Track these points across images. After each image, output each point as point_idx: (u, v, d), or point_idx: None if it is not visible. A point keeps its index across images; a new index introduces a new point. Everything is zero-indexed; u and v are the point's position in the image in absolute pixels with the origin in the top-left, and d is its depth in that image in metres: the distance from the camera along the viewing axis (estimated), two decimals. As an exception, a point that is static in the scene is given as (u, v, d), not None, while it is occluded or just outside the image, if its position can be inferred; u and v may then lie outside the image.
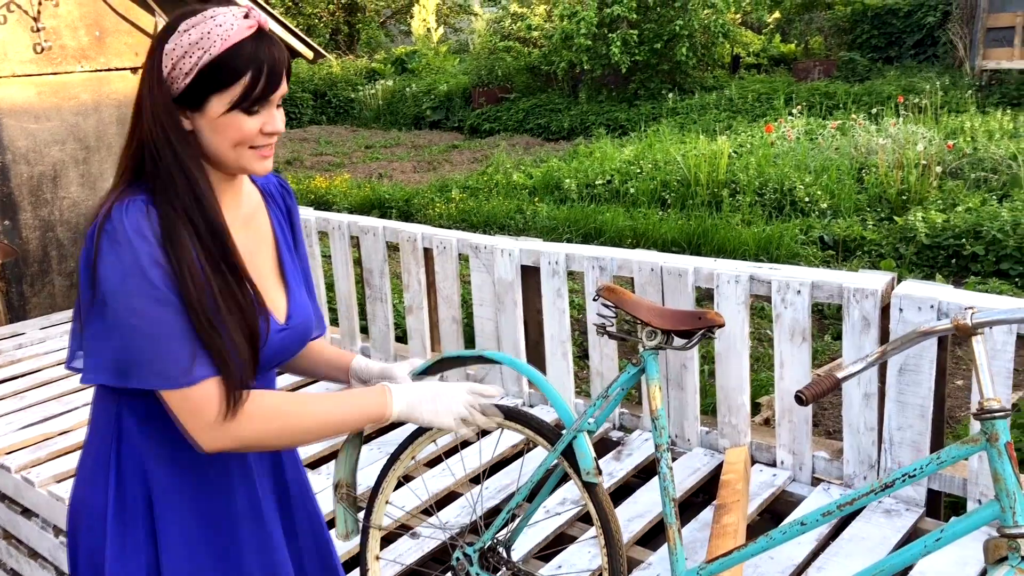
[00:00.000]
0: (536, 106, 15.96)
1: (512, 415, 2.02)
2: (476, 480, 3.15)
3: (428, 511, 2.96)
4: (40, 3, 4.88)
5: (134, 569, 1.50)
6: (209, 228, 1.42)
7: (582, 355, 4.49)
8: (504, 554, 2.11)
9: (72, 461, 3.44)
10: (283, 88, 1.46)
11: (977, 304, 2.37)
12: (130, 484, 1.50)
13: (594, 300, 2.30)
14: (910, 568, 2.48)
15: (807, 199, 8.08)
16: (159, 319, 1.36)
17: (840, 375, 1.76)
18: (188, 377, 1.37)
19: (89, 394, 4.09)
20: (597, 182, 9.57)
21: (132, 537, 1.50)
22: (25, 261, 5.11)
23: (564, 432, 1.98)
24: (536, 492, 2.25)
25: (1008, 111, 10.80)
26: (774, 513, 2.99)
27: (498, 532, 2.08)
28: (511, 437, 3.32)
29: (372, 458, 3.35)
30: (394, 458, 2.21)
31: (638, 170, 9.61)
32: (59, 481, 3.34)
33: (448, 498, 3.09)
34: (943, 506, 2.83)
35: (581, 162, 10.67)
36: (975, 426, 1.63)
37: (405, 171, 12.85)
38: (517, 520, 2.23)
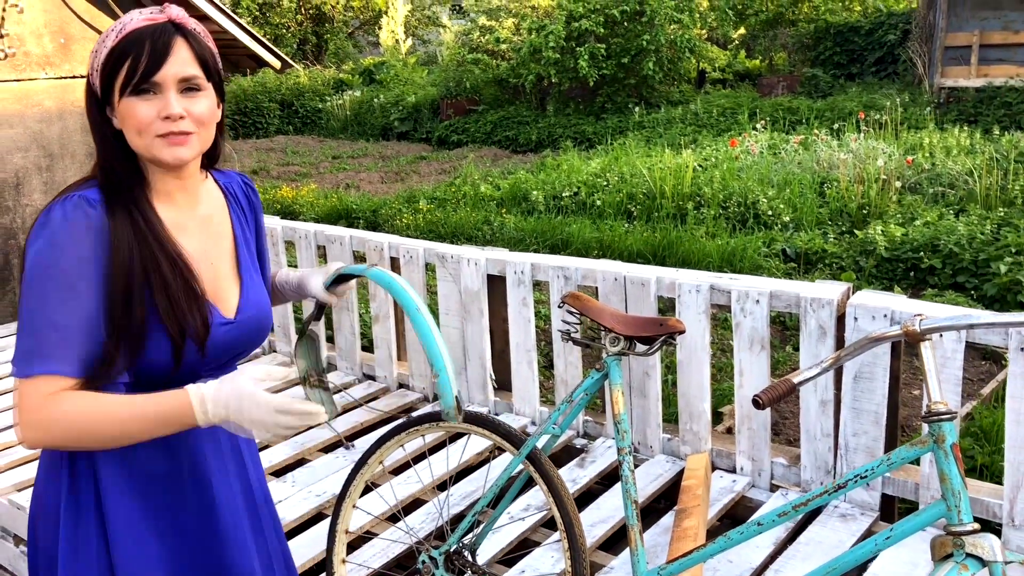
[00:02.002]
0: (504, 118, 16.03)
1: (479, 421, 2.05)
2: (442, 487, 3.17)
3: (395, 516, 2.98)
4: (4, 10, 4.85)
5: (84, 564, 1.51)
6: (144, 219, 1.48)
7: (547, 365, 4.53)
8: (469, 557, 2.13)
9: (32, 470, 3.42)
10: (176, 70, 1.46)
11: (928, 313, 2.44)
12: (83, 480, 1.52)
13: (559, 307, 2.34)
14: (864, 568, 2.54)
15: (770, 212, 8.20)
16: (32, 308, 1.40)
17: (796, 380, 1.81)
18: (26, 369, 1.39)
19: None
20: (564, 194, 9.63)
21: (83, 531, 1.51)
22: (-13, 269, 5.06)
23: (529, 437, 2.01)
24: (501, 497, 2.28)
25: (965, 128, 11.03)
26: (734, 518, 3.04)
27: (464, 536, 2.11)
28: (477, 445, 3.35)
29: (338, 466, 3.36)
30: (361, 463, 2.24)
31: (605, 183, 9.69)
32: (19, 490, 3.31)
33: (414, 505, 3.11)
34: (896, 510, 2.90)
35: (548, 174, 10.74)
36: (925, 429, 1.69)
37: (372, 182, 12.85)
38: (482, 524, 2.25)
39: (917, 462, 2.82)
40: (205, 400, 1.40)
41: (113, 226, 1.45)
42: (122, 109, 1.46)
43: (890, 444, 2.81)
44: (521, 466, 2.05)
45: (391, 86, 20.08)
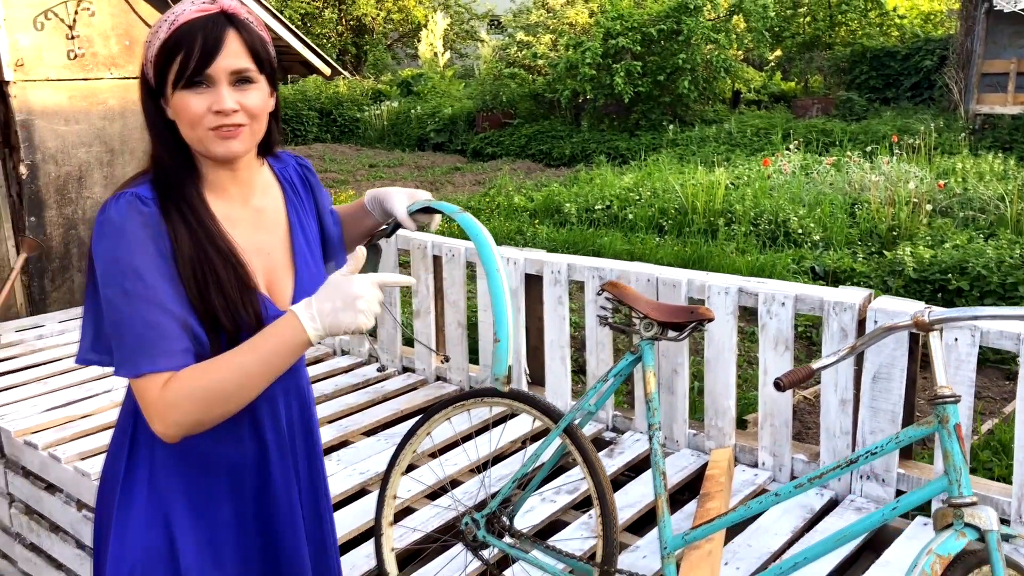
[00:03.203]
0: (539, 132, 16.28)
1: (520, 397, 2.24)
2: (480, 468, 3.36)
3: (433, 495, 3.17)
4: (76, 12, 5.14)
5: (132, 535, 1.55)
6: (195, 214, 1.49)
7: (576, 370, 4.70)
8: (507, 521, 2.32)
9: (95, 441, 3.64)
10: (228, 63, 1.46)
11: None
12: (141, 453, 1.56)
13: (598, 295, 2.51)
14: (879, 555, 2.69)
15: (800, 231, 8.33)
16: (118, 310, 1.43)
17: (815, 366, 1.99)
18: (133, 370, 1.42)
19: (109, 381, 4.30)
20: (596, 207, 9.83)
21: (137, 505, 1.55)
22: (47, 257, 5.33)
23: (566, 412, 2.20)
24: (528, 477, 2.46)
25: (1000, 155, 11.10)
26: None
27: (503, 502, 2.30)
28: (512, 433, 3.53)
29: (380, 447, 3.56)
30: (410, 434, 2.43)
31: (637, 197, 9.87)
32: (84, 458, 3.53)
33: (453, 484, 3.30)
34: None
35: (581, 187, 10.94)
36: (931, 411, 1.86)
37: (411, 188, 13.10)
38: (520, 494, 2.44)
39: (924, 450, 2.96)
40: (310, 305, 1.43)
41: (169, 223, 1.47)
42: (175, 102, 1.46)
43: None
44: (559, 439, 2.24)
45: (428, 98, 20.42)
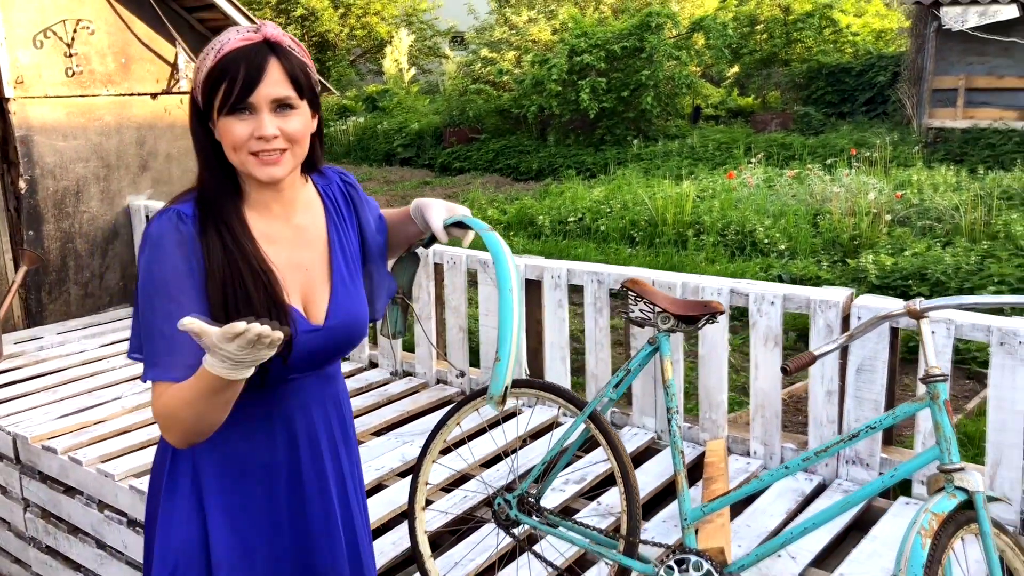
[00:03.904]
0: (506, 147, 16.52)
1: (547, 387, 2.45)
2: (496, 461, 3.56)
3: (456, 483, 3.36)
4: (75, 31, 5.27)
5: (175, 546, 1.64)
6: (231, 233, 1.57)
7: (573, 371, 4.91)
8: (535, 502, 2.52)
9: (113, 445, 3.77)
10: (269, 91, 1.53)
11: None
12: (182, 465, 1.65)
13: (619, 291, 2.72)
14: (866, 532, 2.94)
15: (767, 240, 8.65)
16: (145, 318, 1.54)
17: (817, 352, 2.22)
18: (145, 375, 1.54)
19: (118, 389, 4.42)
20: (569, 219, 10.08)
21: (178, 516, 1.64)
22: (45, 270, 5.43)
23: (590, 400, 2.41)
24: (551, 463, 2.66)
25: (952, 166, 11.56)
26: (748, 495, 3.43)
27: (533, 482, 2.50)
28: (536, 419, 3.75)
29: (391, 446, 3.74)
30: (441, 424, 2.62)
31: (608, 209, 10.14)
32: (104, 461, 3.66)
33: (462, 478, 3.50)
34: (892, 489, 3.30)
35: (553, 200, 11.19)
36: (922, 389, 2.09)
37: (379, 205, 13.25)
38: (547, 476, 2.64)
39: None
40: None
41: (204, 241, 1.55)
42: (221, 126, 1.55)
43: (888, 429, 3.22)
44: (583, 425, 2.45)
45: (394, 113, 20.57)
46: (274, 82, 1.52)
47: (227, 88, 1.51)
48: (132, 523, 3.44)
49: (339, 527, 1.74)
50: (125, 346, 5.05)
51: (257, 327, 1.33)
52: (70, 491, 3.74)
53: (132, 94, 5.64)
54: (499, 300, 1.61)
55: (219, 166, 1.60)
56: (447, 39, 26.46)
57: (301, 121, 1.57)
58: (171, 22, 5.69)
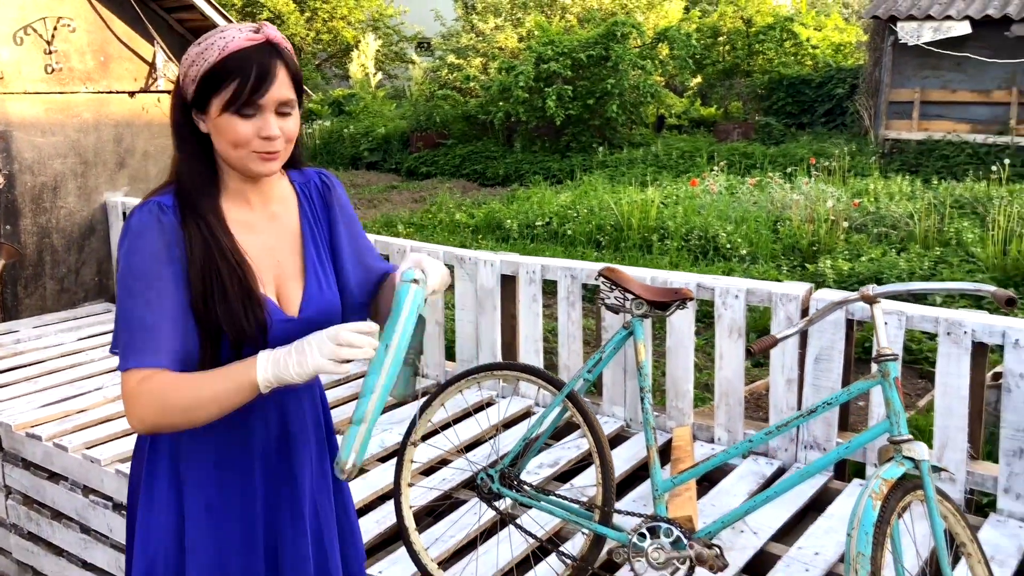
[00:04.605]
0: (472, 152, 16.67)
1: (527, 369, 2.60)
2: (465, 449, 3.71)
3: (433, 468, 3.50)
4: (55, 28, 5.34)
5: (155, 535, 1.68)
6: (208, 226, 1.59)
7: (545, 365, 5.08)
8: (516, 477, 2.67)
9: (97, 432, 3.86)
10: (277, 94, 1.56)
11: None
12: (160, 458, 1.68)
13: (596, 280, 2.86)
14: (823, 511, 3.13)
15: (729, 245, 8.89)
16: (123, 307, 1.56)
17: (779, 336, 2.40)
18: (122, 364, 1.55)
19: (100, 379, 4.50)
20: (537, 223, 10.26)
21: (157, 505, 1.68)
22: (21, 264, 5.48)
23: (568, 381, 2.57)
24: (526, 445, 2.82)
25: (907, 176, 11.94)
26: (712, 479, 3.62)
27: (515, 458, 2.66)
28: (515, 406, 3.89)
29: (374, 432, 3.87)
30: (425, 406, 2.77)
31: (575, 214, 10.33)
32: (89, 447, 3.75)
33: (441, 462, 3.64)
34: (847, 471, 3.50)
35: (520, 205, 11.36)
36: (874, 368, 2.27)
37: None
38: (527, 452, 2.79)
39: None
40: (275, 352, 1.53)
41: (186, 231, 1.57)
42: (220, 123, 1.56)
43: (843, 416, 3.42)
44: (561, 404, 2.61)
45: (360, 117, 20.63)
46: (281, 84, 1.57)
47: (237, 88, 1.53)
48: (118, 507, 3.53)
49: (305, 519, 1.76)
50: (102, 339, 5.13)
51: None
52: (54, 477, 3.82)
53: (110, 92, 5.72)
54: (375, 355, 1.52)
55: (200, 158, 1.62)
56: (413, 45, 26.58)
57: (296, 121, 1.62)
58: (150, 22, 5.79)
